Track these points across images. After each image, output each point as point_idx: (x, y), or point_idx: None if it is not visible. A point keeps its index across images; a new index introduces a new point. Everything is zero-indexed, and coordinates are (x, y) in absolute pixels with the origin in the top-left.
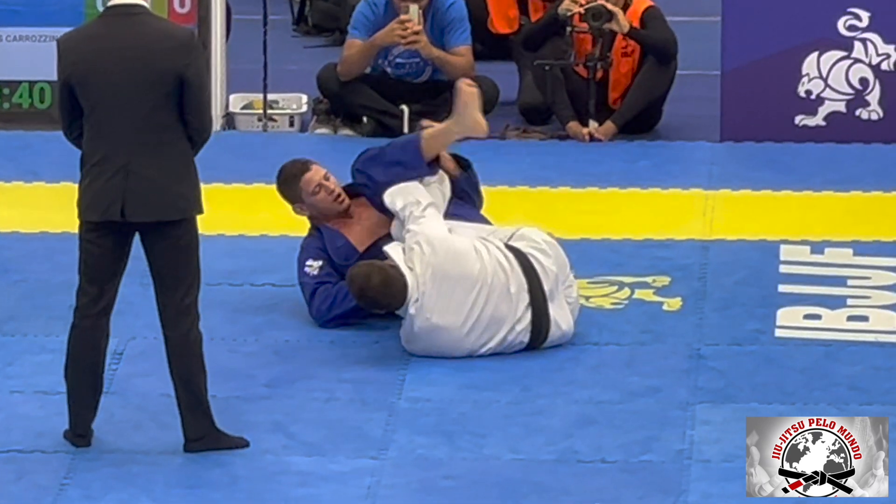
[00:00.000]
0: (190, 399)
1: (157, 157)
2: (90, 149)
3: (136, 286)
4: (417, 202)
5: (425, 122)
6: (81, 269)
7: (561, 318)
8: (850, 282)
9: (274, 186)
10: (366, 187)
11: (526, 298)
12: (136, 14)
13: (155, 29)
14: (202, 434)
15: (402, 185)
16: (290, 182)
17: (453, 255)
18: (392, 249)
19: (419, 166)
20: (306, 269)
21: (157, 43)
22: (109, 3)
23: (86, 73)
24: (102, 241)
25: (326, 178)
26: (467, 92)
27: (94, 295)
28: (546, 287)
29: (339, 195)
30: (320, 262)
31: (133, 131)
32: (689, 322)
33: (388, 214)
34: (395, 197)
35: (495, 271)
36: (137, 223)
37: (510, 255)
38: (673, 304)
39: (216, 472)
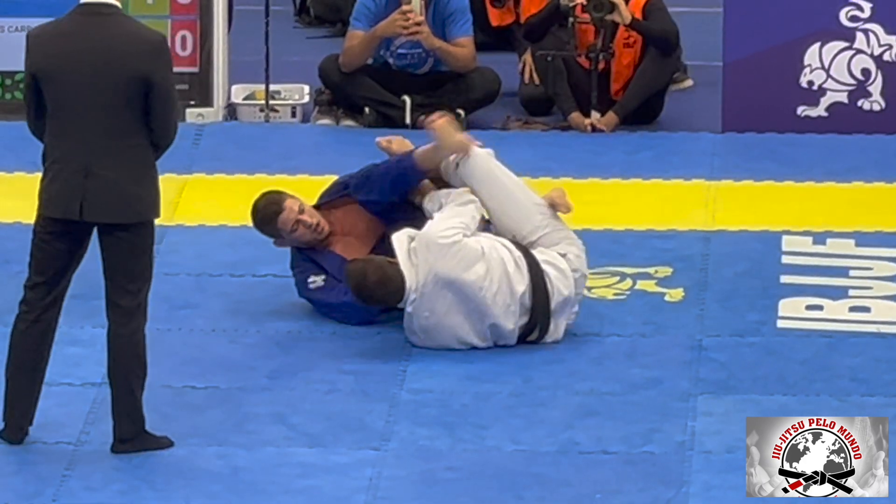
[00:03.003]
0: (124, 399)
1: (117, 158)
2: (52, 145)
3: None
4: (460, 193)
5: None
6: (32, 263)
7: (554, 328)
8: (852, 272)
9: (276, 177)
10: (379, 209)
11: (524, 311)
12: (108, 14)
13: (125, 31)
14: (132, 435)
15: (445, 190)
16: (266, 225)
17: (458, 259)
18: (397, 240)
19: (419, 176)
20: (311, 286)
21: (127, 45)
22: (82, 1)
23: (52, 70)
24: (58, 239)
25: (301, 212)
26: (438, 126)
27: (42, 290)
28: (552, 305)
29: (317, 225)
30: (323, 276)
31: (95, 131)
32: (691, 313)
33: (387, 218)
34: (434, 199)
35: (501, 278)
36: (95, 223)
37: (523, 264)
38: (675, 294)
39: (217, 464)
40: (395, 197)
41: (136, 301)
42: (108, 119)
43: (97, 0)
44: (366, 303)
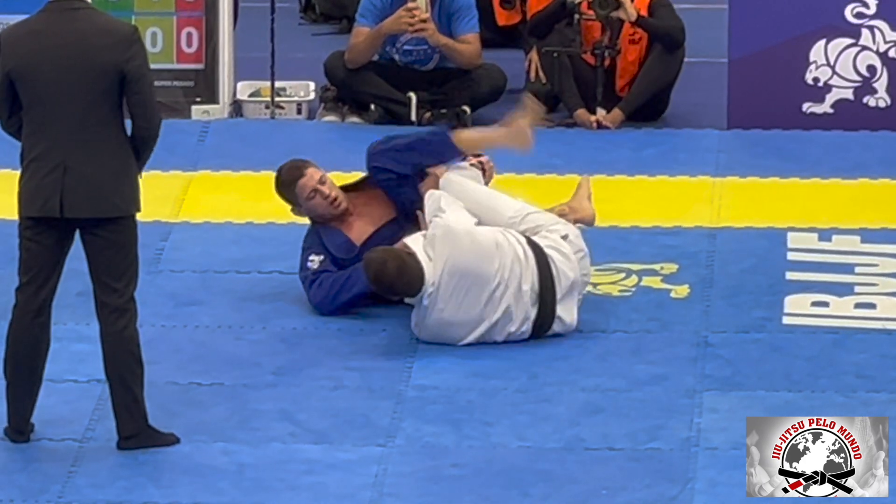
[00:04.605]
0: (124, 397)
1: (95, 153)
2: (30, 144)
3: (143, 274)
4: (441, 197)
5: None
6: (20, 266)
7: (566, 314)
8: (857, 269)
9: None
10: (389, 179)
11: (536, 298)
12: (78, 9)
13: (96, 24)
14: (135, 432)
15: (435, 191)
16: (285, 188)
17: (475, 250)
18: (412, 240)
19: (453, 155)
20: (308, 264)
21: (98, 38)
22: None
23: (25, 68)
24: (41, 238)
25: (322, 182)
26: (532, 108)
27: (31, 291)
28: (559, 293)
29: (334, 199)
30: (322, 257)
31: (72, 127)
32: (697, 310)
33: (398, 199)
34: (429, 198)
35: (512, 268)
36: (75, 219)
37: (528, 252)
38: (680, 291)
39: (223, 460)
40: (409, 169)
41: (124, 298)
42: (84, 114)
43: None
44: (383, 292)
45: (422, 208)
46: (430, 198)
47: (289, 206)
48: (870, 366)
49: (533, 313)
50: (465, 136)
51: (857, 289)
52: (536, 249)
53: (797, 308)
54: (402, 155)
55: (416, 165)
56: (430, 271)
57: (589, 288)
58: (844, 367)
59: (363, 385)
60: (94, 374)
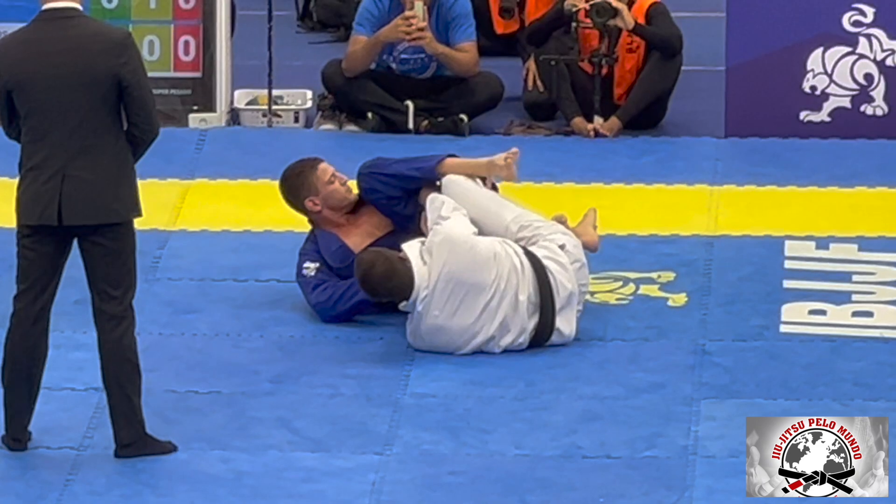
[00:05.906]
0: (121, 405)
1: (93, 159)
2: (28, 152)
3: (140, 282)
4: (444, 203)
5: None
6: (18, 274)
7: (565, 325)
8: (854, 277)
9: (279, 182)
10: (379, 199)
11: (534, 309)
12: (71, 17)
13: (89, 31)
14: (133, 440)
15: (438, 195)
16: (303, 174)
17: (472, 259)
18: (408, 246)
19: (428, 177)
20: (304, 271)
21: (92, 44)
22: (43, 7)
23: (21, 79)
24: (39, 246)
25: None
26: (509, 161)
27: (29, 299)
28: (558, 304)
29: (350, 188)
30: (317, 265)
31: (69, 134)
32: (694, 318)
33: (394, 217)
34: (432, 203)
35: (509, 278)
36: (74, 227)
37: (525, 263)
38: (678, 299)
39: (221, 468)
40: (397, 192)
41: (122, 306)
42: (81, 120)
43: (59, 5)
44: (369, 294)
45: (421, 217)
46: (433, 202)
47: (290, 207)
48: (867, 374)
49: (530, 324)
50: (451, 163)
51: (855, 297)
52: (533, 260)
53: (794, 316)
54: (388, 178)
55: (404, 188)
56: (426, 276)
57: (586, 296)
58: (842, 375)
59: (361, 393)
60: (92, 381)
